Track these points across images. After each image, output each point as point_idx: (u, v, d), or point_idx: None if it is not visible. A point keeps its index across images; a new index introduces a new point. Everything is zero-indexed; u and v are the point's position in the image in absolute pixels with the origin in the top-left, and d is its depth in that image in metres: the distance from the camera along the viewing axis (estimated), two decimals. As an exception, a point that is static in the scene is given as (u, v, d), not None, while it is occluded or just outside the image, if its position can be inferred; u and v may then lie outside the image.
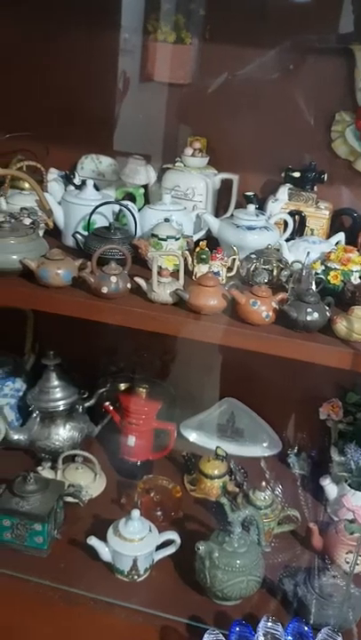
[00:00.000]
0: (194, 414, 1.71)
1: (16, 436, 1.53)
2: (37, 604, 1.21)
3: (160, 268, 1.10)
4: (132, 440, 1.52)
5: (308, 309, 1.04)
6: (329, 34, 1.27)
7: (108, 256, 1.17)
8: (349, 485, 1.44)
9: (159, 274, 1.09)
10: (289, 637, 1.05)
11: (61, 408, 1.53)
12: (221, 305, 1.08)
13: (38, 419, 1.54)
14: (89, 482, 1.46)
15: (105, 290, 1.08)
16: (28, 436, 1.53)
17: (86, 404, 1.59)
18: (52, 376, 1.54)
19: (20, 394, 1.64)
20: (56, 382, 1.54)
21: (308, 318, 1.04)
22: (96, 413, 1.63)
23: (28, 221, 1.24)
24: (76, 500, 1.40)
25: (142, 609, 1.21)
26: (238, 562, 1.20)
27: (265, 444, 1.68)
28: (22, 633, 1.16)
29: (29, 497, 1.29)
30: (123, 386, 1.68)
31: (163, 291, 1.08)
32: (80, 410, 1.58)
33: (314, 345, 1.04)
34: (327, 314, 1.06)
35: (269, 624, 1.07)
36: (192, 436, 1.69)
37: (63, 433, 1.54)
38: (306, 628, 1.07)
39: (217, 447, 1.55)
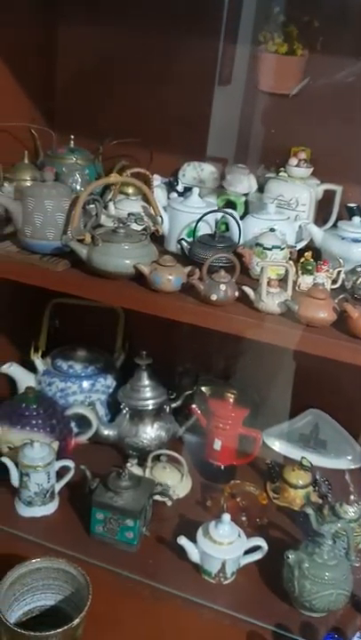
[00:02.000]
0: (277, 423, 1.72)
1: (106, 432, 1.58)
2: (127, 597, 1.25)
3: (268, 278, 1.11)
4: (218, 444, 1.54)
5: None
6: None
7: (215, 264, 1.19)
8: None
9: (268, 284, 1.10)
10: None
11: (150, 407, 1.57)
12: (331, 318, 1.09)
13: (127, 416, 1.58)
14: (176, 482, 1.49)
15: (214, 297, 1.11)
16: (117, 432, 1.58)
17: (173, 405, 1.63)
18: (144, 375, 1.58)
19: (110, 390, 1.69)
20: (147, 382, 1.58)
21: None
22: (179, 414, 1.66)
23: (135, 227, 1.27)
24: (164, 499, 1.43)
25: (229, 611, 1.23)
26: (328, 574, 1.20)
27: (349, 457, 1.66)
28: (112, 623, 1.20)
29: (123, 493, 1.33)
30: (206, 389, 1.70)
31: (271, 301, 1.10)
32: (167, 410, 1.62)
33: None
34: None
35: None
36: (275, 445, 1.69)
37: (151, 432, 1.58)
38: None
39: (302, 457, 1.56)
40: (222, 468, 1.57)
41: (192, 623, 1.22)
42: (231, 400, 1.53)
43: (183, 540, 1.29)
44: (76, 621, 0.99)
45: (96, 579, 1.22)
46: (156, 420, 1.59)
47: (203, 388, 1.69)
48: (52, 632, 0.96)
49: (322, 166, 1.43)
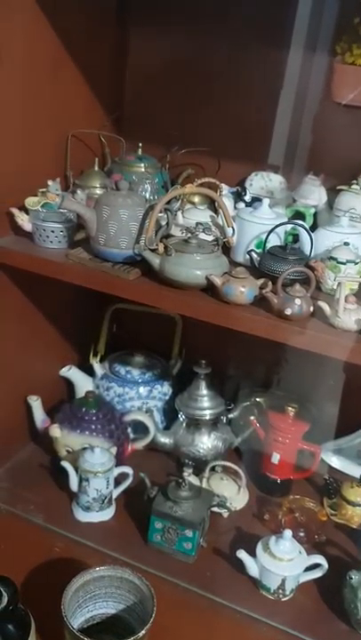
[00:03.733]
0: (334, 438, 1.69)
1: (162, 439, 1.58)
2: (183, 608, 1.25)
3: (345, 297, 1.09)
4: (276, 457, 1.53)
5: None
6: None
7: (288, 277, 1.17)
8: None
9: (345, 299, 1.08)
10: None
11: (208, 417, 1.56)
12: None
13: (184, 424, 1.58)
14: (233, 494, 1.48)
15: (289, 312, 1.09)
16: (174, 440, 1.58)
17: (230, 416, 1.62)
18: (202, 384, 1.57)
19: (167, 398, 1.69)
20: (205, 391, 1.57)
21: None
22: (235, 425, 1.65)
23: (204, 236, 1.27)
24: (221, 511, 1.42)
25: (287, 629, 1.22)
26: (392, 598, 1.17)
27: None
28: (168, 634, 1.19)
29: (182, 503, 1.32)
30: (263, 400, 1.69)
31: (348, 317, 1.08)
32: (224, 420, 1.61)
33: None
34: None
35: None
36: (332, 461, 1.67)
37: (207, 442, 1.57)
38: None
39: (361, 473, 1.53)
40: (279, 481, 1.55)
41: (248, 638, 1.20)
42: (292, 414, 1.51)
43: (243, 554, 1.28)
44: (142, 633, 0.99)
45: (154, 587, 1.22)
46: (213, 430, 1.58)
47: (259, 400, 1.68)
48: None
49: (395, 179, 1.40)
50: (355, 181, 1.40)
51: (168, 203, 1.26)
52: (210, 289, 1.19)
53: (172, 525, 1.32)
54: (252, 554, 1.29)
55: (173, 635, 1.19)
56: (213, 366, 1.57)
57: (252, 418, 1.57)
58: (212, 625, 1.22)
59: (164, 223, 1.27)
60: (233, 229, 1.26)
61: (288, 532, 1.27)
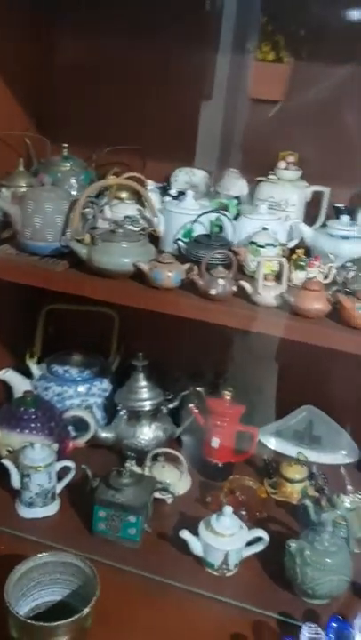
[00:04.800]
0: (271, 420, 1.75)
1: (103, 434, 1.60)
2: (132, 592, 1.27)
3: (264, 272, 1.15)
4: (215, 442, 1.57)
5: None
6: None
7: (212, 261, 1.23)
8: None
9: (264, 278, 1.14)
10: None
11: (148, 408, 1.59)
12: (325, 308, 1.13)
13: (125, 417, 1.61)
14: (175, 480, 1.51)
15: (213, 292, 1.15)
16: (115, 434, 1.60)
17: (170, 406, 1.66)
18: (140, 377, 1.61)
19: (107, 394, 1.71)
20: (144, 383, 1.61)
21: None
22: (176, 415, 1.69)
23: (132, 229, 1.31)
24: (164, 497, 1.45)
25: (234, 602, 1.25)
26: (329, 560, 1.23)
27: (343, 452, 1.70)
28: (119, 618, 1.21)
29: (124, 490, 1.35)
30: (202, 389, 1.73)
31: (267, 294, 1.14)
32: (164, 411, 1.64)
33: None
34: None
35: (364, 621, 1.10)
36: (270, 442, 1.73)
37: (148, 432, 1.60)
38: None
39: (298, 452, 1.59)
40: (220, 465, 1.59)
41: (198, 614, 1.23)
42: (228, 398, 1.56)
43: (186, 534, 1.31)
44: (86, 611, 1.01)
45: (101, 576, 1.23)
46: (154, 420, 1.62)
47: (199, 389, 1.72)
48: (62, 622, 0.98)
49: (310, 169, 1.49)
50: (272, 172, 1.47)
51: (96, 197, 1.29)
52: (138, 276, 1.22)
53: (115, 513, 1.34)
54: (196, 534, 1.32)
55: (123, 618, 1.20)
56: (152, 360, 1.61)
57: (191, 405, 1.61)
58: (160, 605, 1.24)
59: (90, 217, 1.30)
60: (158, 218, 1.30)
61: (228, 508, 1.31)
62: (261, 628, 1.20)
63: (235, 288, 1.17)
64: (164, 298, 1.18)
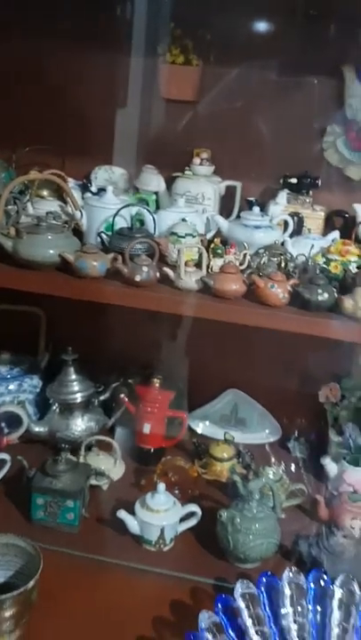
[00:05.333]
0: (200, 406, 1.84)
1: (37, 428, 1.63)
2: (73, 572, 1.30)
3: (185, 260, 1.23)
4: (147, 428, 1.64)
5: (319, 290, 1.20)
6: (322, 56, 1.45)
7: (134, 252, 1.30)
8: (348, 462, 1.58)
9: (185, 264, 1.22)
10: (311, 584, 1.17)
11: (79, 400, 1.64)
12: (242, 289, 1.23)
13: (57, 411, 1.64)
14: (110, 466, 1.56)
15: (138, 278, 1.22)
16: (48, 427, 1.64)
17: (101, 398, 1.71)
18: (70, 370, 1.65)
19: (37, 390, 1.74)
20: (74, 376, 1.65)
21: (320, 298, 1.19)
22: (108, 408, 1.74)
23: (56, 223, 1.36)
24: (99, 483, 1.50)
25: (171, 573, 1.32)
26: (258, 525, 1.32)
27: (267, 431, 1.81)
28: (62, 597, 1.24)
29: (61, 476, 1.39)
30: (132, 380, 1.79)
31: (189, 279, 1.22)
32: (95, 403, 1.69)
33: (326, 321, 1.19)
34: (335, 295, 1.21)
35: (292, 575, 1.19)
36: (199, 427, 1.81)
37: (81, 424, 1.64)
38: (325, 577, 1.19)
39: (225, 432, 1.68)
40: (152, 450, 1.66)
41: (138, 587, 1.29)
42: (157, 384, 1.64)
43: (122, 514, 1.37)
44: (31, 584, 1.04)
45: (43, 561, 1.27)
46: (86, 412, 1.66)
47: (129, 380, 1.78)
48: (8, 595, 1.01)
49: (223, 165, 1.60)
50: (187, 168, 1.56)
51: (20, 194, 1.33)
52: (64, 267, 1.28)
53: (53, 499, 1.37)
54: (132, 514, 1.38)
55: (66, 598, 1.24)
56: (82, 355, 1.65)
57: (121, 395, 1.67)
58: (101, 583, 1.29)
59: (13, 213, 1.34)
60: (81, 212, 1.36)
61: (161, 486, 1.38)
62: (198, 593, 1.27)
63: (158, 275, 1.24)
64: (91, 286, 1.24)
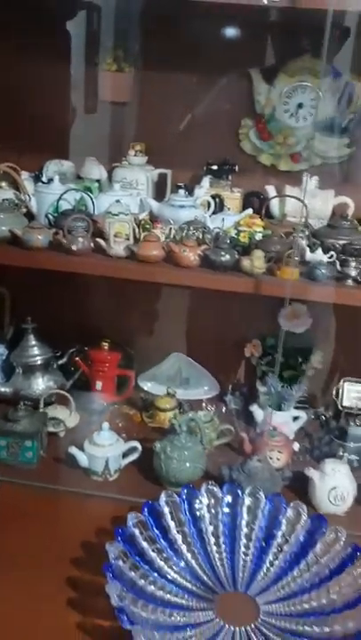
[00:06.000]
0: (148, 369, 2.10)
1: (2, 389, 1.88)
2: (32, 499, 1.55)
3: (115, 231, 1.50)
4: (99, 385, 1.90)
5: (223, 253, 1.48)
6: (234, 60, 1.72)
7: (75, 229, 1.56)
8: (270, 407, 1.85)
9: (115, 235, 1.49)
10: (227, 495, 1.43)
11: (39, 362, 1.88)
12: (161, 254, 1.50)
13: (20, 373, 1.89)
14: (65, 416, 1.81)
15: (75, 247, 1.48)
16: (12, 388, 1.88)
17: (59, 362, 1.96)
18: (31, 337, 1.90)
19: (3, 357, 1.99)
20: (33, 342, 1.90)
21: (223, 259, 1.47)
22: (66, 373, 1.99)
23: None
24: (56, 430, 1.76)
25: (114, 496, 1.58)
26: (186, 453, 1.58)
27: (206, 388, 2.07)
28: (21, 521, 1.50)
29: (20, 420, 1.64)
30: (87, 348, 2.05)
31: (118, 247, 1.49)
32: (54, 366, 1.94)
33: (227, 277, 1.46)
34: (236, 256, 1.49)
35: (210, 486, 1.45)
36: (147, 386, 2.07)
37: (42, 383, 1.89)
38: (238, 489, 1.45)
39: (168, 387, 1.95)
40: (105, 404, 1.91)
41: (87, 509, 1.54)
42: (106, 347, 1.90)
43: (73, 449, 1.62)
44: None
45: (3, 493, 1.51)
46: (45, 373, 1.91)
47: (85, 348, 2.03)
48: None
49: (155, 156, 1.86)
50: (124, 159, 1.83)
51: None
52: (14, 242, 1.53)
53: (13, 440, 1.63)
54: (82, 451, 1.64)
55: (26, 521, 1.48)
56: (43, 328, 1.90)
57: (77, 359, 1.93)
58: (55, 505, 1.54)
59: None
60: (29, 197, 1.62)
61: (105, 424, 1.64)
62: (137, 509, 1.53)
63: (92, 245, 1.51)
64: (37, 256, 1.50)
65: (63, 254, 1.51)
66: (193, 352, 2.08)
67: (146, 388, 2.05)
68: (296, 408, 1.88)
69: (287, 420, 1.85)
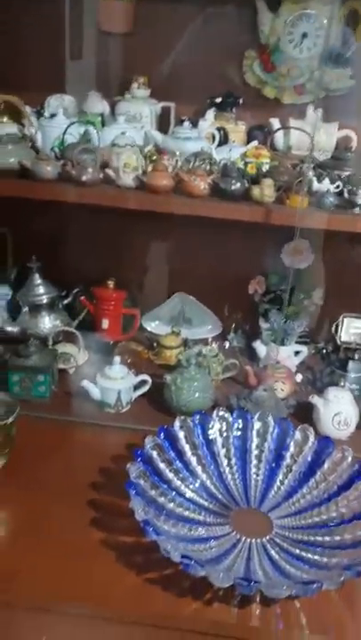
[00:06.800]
0: (151, 309, 2.11)
1: (9, 328, 1.89)
2: (46, 430, 1.58)
3: (124, 162, 1.49)
4: (105, 323, 1.91)
5: (233, 181, 1.48)
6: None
7: (80, 158, 1.55)
8: (273, 342, 1.89)
9: (124, 166, 1.48)
10: (237, 420, 1.47)
11: (45, 301, 1.89)
12: (171, 184, 1.49)
13: (27, 312, 1.90)
14: (75, 352, 1.83)
15: (84, 178, 1.47)
16: (20, 327, 1.89)
17: (65, 302, 1.97)
18: (36, 276, 1.90)
19: (8, 297, 2.00)
20: (39, 281, 1.90)
21: (233, 187, 1.47)
22: (72, 314, 2.00)
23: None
24: (66, 367, 1.78)
25: (128, 426, 1.62)
26: (195, 384, 1.62)
27: (209, 327, 2.09)
28: (37, 446, 1.52)
29: (32, 355, 1.66)
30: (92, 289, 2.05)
31: (127, 177, 1.48)
32: (60, 306, 1.96)
33: (237, 206, 1.47)
34: (246, 185, 1.49)
35: (221, 413, 1.49)
36: (150, 326, 2.09)
37: (48, 322, 1.90)
38: (247, 415, 1.50)
39: (173, 325, 1.97)
40: (111, 342, 1.93)
41: (100, 439, 1.58)
42: (111, 285, 1.90)
43: (86, 382, 1.65)
44: (10, 419, 1.33)
45: (18, 426, 1.53)
46: (52, 312, 1.92)
47: (91, 288, 2.03)
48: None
49: (158, 89, 1.83)
50: (127, 92, 1.80)
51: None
52: (23, 174, 1.52)
53: (26, 375, 1.65)
54: (94, 384, 1.66)
55: (44, 450, 1.52)
56: (47, 269, 1.90)
57: (82, 297, 1.94)
58: (69, 436, 1.58)
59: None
60: (35, 130, 1.60)
61: (117, 358, 1.67)
62: (150, 434, 1.57)
63: (102, 176, 1.50)
64: (46, 187, 1.49)
65: (73, 186, 1.51)
66: (195, 291, 2.10)
67: (150, 329, 2.07)
68: (297, 343, 1.92)
69: (289, 355, 1.89)
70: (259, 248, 1.89)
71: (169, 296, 2.12)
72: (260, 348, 1.92)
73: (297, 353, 1.89)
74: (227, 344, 1.97)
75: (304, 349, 1.89)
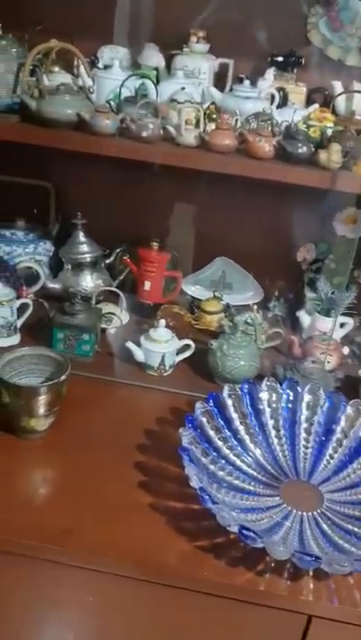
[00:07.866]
0: (192, 272, 2.08)
1: (51, 284, 1.86)
2: (90, 390, 1.57)
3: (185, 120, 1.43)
4: (147, 285, 1.88)
5: (299, 144, 1.42)
6: None
7: (141, 113, 1.49)
8: (319, 313, 1.85)
9: (185, 123, 1.42)
10: (287, 390, 1.45)
11: (88, 260, 1.86)
12: (234, 144, 1.44)
13: (69, 269, 1.87)
14: (117, 313, 1.81)
15: (144, 134, 1.42)
16: (62, 284, 1.87)
17: (107, 261, 1.94)
18: (80, 234, 1.87)
19: (50, 254, 1.97)
20: (83, 239, 1.87)
21: (300, 151, 1.42)
22: (113, 274, 1.97)
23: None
24: (109, 327, 1.76)
25: (171, 389, 1.60)
26: (242, 351, 1.59)
27: (251, 293, 2.06)
28: (83, 404, 1.51)
29: (77, 314, 1.63)
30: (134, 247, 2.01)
31: (188, 135, 1.43)
32: (102, 265, 1.92)
33: (303, 170, 1.42)
34: (312, 149, 1.43)
35: (269, 383, 1.47)
36: (191, 290, 2.05)
37: (90, 281, 1.87)
38: (297, 387, 1.47)
39: (214, 290, 1.93)
40: (152, 305, 1.91)
41: (144, 401, 1.57)
42: (155, 247, 1.86)
43: (130, 344, 1.63)
44: (62, 377, 1.31)
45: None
46: (94, 271, 1.89)
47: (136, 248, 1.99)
48: (44, 384, 1.28)
49: (217, 45, 1.75)
50: (185, 45, 1.73)
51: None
52: (80, 127, 1.47)
53: (71, 333, 1.63)
54: (138, 345, 1.64)
55: (89, 409, 1.51)
56: (90, 226, 1.86)
57: (125, 257, 1.90)
58: (114, 397, 1.57)
59: (35, 79, 1.51)
60: (93, 80, 1.54)
61: (162, 321, 1.64)
62: (194, 403, 1.55)
63: (162, 132, 1.44)
64: (103, 142, 1.44)
65: (131, 141, 1.45)
66: (237, 257, 2.05)
67: (190, 293, 2.03)
68: (343, 315, 1.88)
69: (335, 326, 1.85)
70: (309, 214, 1.84)
71: (210, 260, 2.07)
72: (304, 317, 1.88)
73: (342, 325, 1.86)
74: (269, 314, 1.93)
75: (350, 321, 1.85)
